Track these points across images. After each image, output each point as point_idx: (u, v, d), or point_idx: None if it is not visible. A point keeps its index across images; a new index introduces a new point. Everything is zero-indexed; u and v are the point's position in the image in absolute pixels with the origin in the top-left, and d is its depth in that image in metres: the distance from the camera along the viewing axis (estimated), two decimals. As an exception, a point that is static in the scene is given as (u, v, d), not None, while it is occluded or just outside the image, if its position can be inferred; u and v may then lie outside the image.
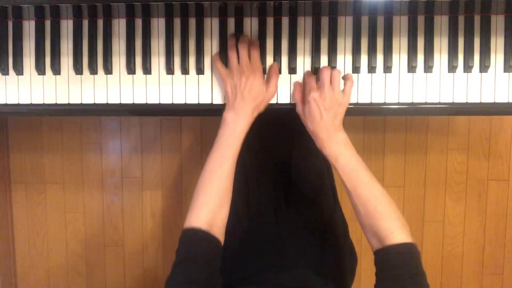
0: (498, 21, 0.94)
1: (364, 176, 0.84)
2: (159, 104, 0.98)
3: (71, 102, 0.99)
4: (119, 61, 0.97)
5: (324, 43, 0.95)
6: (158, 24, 0.96)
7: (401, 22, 0.95)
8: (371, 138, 1.78)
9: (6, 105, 1.00)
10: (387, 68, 0.95)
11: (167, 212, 1.86)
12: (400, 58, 0.95)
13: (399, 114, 1.10)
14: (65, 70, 0.98)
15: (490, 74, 0.95)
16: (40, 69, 0.98)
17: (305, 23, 0.96)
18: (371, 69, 0.95)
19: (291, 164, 1.12)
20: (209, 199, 0.82)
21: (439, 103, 0.96)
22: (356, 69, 0.95)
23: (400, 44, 0.95)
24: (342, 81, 0.91)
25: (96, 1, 0.92)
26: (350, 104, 0.95)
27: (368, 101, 0.96)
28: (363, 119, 1.77)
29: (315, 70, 0.95)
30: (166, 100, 0.97)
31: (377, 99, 0.96)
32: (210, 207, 0.81)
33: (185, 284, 0.72)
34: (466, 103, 0.95)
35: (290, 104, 0.96)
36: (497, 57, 0.95)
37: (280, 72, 0.96)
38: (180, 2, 0.92)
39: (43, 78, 0.99)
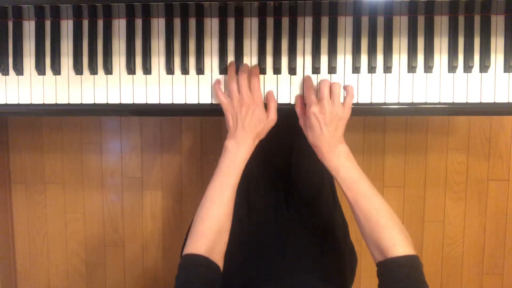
0: (498, 21, 0.94)
1: (365, 189, 0.84)
2: (159, 104, 0.98)
3: (71, 102, 0.99)
4: (119, 61, 0.97)
5: (324, 43, 0.95)
6: (158, 24, 0.97)
7: (401, 22, 0.95)
8: (371, 138, 1.78)
9: (6, 105, 1.00)
10: (387, 68, 0.95)
11: (167, 212, 1.86)
12: (400, 58, 0.95)
13: (399, 114, 1.10)
14: (65, 70, 0.98)
15: (490, 74, 0.95)
16: (40, 69, 0.98)
17: (305, 23, 0.96)
18: (371, 69, 0.95)
19: (291, 164, 1.12)
20: (209, 227, 0.82)
21: (439, 103, 0.96)
22: (356, 69, 0.95)
23: (400, 44, 0.95)
24: (342, 91, 0.91)
25: (96, 1, 0.92)
26: (350, 104, 0.96)
27: (368, 101, 0.96)
28: (363, 119, 1.77)
29: (315, 70, 0.95)
30: (166, 100, 0.97)
31: (377, 99, 0.96)
32: (210, 235, 0.82)
33: None
34: (466, 103, 0.95)
35: (290, 104, 0.96)
36: (497, 57, 0.95)
37: (280, 72, 0.96)
38: (180, 2, 0.92)
39: (43, 78, 0.99)
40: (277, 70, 0.95)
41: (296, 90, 0.96)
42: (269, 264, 0.95)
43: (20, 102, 0.99)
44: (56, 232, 1.88)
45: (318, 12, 0.95)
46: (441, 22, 0.95)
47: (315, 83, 0.95)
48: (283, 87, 0.96)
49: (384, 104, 0.96)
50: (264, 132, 0.92)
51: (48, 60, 0.98)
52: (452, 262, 1.84)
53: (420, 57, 0.95)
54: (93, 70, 0.97)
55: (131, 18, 0.96)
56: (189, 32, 0.96)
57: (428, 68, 0.94)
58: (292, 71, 0.96)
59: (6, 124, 1.84)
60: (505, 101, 0.95)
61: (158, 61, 0.97)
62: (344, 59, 0.96)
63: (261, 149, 1.09)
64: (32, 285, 1.92)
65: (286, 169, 1.12)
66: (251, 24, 0.96)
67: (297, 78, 0.96)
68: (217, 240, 0.82)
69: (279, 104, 0.96)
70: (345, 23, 0.95)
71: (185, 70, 0.97)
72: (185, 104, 0.97)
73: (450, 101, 0.95)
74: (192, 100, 0.97)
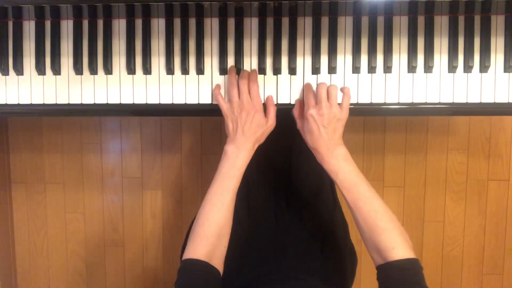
0: (498, 21, 0.94)
1: (364, 191, 0.84)
2: (159, 104, 0.98)
3: (71, 102, 0.99)
4: (119, 61, 0.97)
5: (324, 43, 0.95)
6: (158, 24, 0.97)
7: (401, 22, 0.95)
8: (371, 138, 1.78)
9: (6, 105, 1.00)
10: (387, 68, 0.95)
11: (167, 212, 1.86)
12: (400, 58, 0.95)
13: (399, 114, 1.10)
14: (65, 70, 0.98)
15: (490, 74, 0.95)
16: (40, 69, 0.98)
17: (305, 23, 0.96)
18: (371, 69, 0.95)
19: (291, 165, 1.12)
20: (209, 232, 0.83)
21: (439, 103, 0.96)
22: (356, 69, 0.95)
23: (400, 44, 0.95)
24: (340, 94, 0.92)
25: (96, 1, 0.92)
26: (350, 104, 0.95)
27: (368, 101, 0.96)
28: (363, 119, 1.77)
29: (315, 70, 0.95)
30: (166, 100, 0.97)
31: (377, 99, 0.96)
32: (210, 240, 0.82)
33: None
34: (466, 103, 0.95)
35: (289, 104, 0.96)
36: (497, 57, 0.95)
37: (280, 73, 0.96)
38: (180, 2, 0.92)
39: (43, 78, 0.99)
40: (277, 70, 0.95)
41: (296, 90, 0.96)
42: (269, 265, 0.95)
43: (20, 102, 0.99)
44: (56, 232, 1.88)
45: (318, 12, 0.95)
46: (441, 22, 0.95)
47: (315, 83, 0.95)
48: (283, 87, 0.96)
49: (384, 104, 0.96)
50: (264, 137, 0.93)
51: (48, 60, 0.98)
52: (452, 262, 1.84)
53: (420, 57, 0.95)
54: (93, 70, 0.97)
55: (131, 18, 0.96)
56: (189, 32, 0.96)
57: (428, 68, 0.94)
58: (292, 71, 0.96)
59: (6, 124, 1.84)
60: (505, 101, 0.95)
61: (158, 61, 0.97)
62: (344, 59, 0.96)
63: (261, 150, 1.09)
64: (32, 285, 1.92)
65: (286, 170, 1.12)
66: (251, 24, 0.96)
67: (297, 78, 0.96)
68: (217, 244, 0.83)
69: (279, 105, 0.96)
70: (345, 23, 0.95)
71: (185, 70, 0.97)
72: (185, 104, 0.97)
73: (450, 101, 0.95)
74: (192, 100, 0.97)
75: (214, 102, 0.96)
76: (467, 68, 0.94)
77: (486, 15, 0.94)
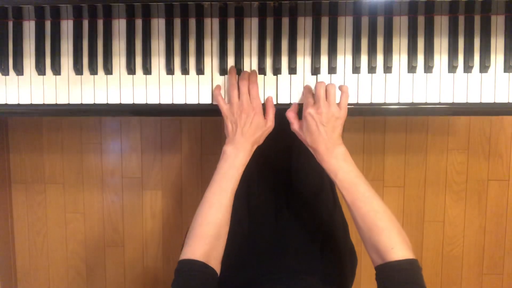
0: (498, 22, 0.94)
1: (363, 191, 0.84)
2: (159, 104, 0.98)
3: (71, 102, 0.99)
4: (119, 61, 0.97)
5: (324, 43, 0.95)
6: (158, 24, 0.97)
7: (401, 22, 0.95)
8: (371, 138, 1.78)
9: (6, 105, 1.00)
10: (387, 68, 0.95)
11: (167, 212, 1.86)
12: (400, 58, 0.95)
13: (399, 115, 1.10)
14: (65, 70, 0.98)
15: (490, 74, 0.95)
16: (40, 70, 0.98)
17: (305, 23, 0.96)
18: (371, 69, 0.95)
19: (291, 166, 1.12)
20: (207, 232, 0.83)
21: (439, 103, 0.96)
22: (356, 69, 0.95)
23: (400, 44, 0.95)
24: (339, 92, 0.92)
25: (96, 1, 0.92)
26: (350, 104, 0.96)
27: (368, 101, 0.96)
28: (363, 119, 1.76)
29: (315, 70, 0.95)
30: (166, 100, 0.97)
31: (377, 99, 0.96)
32: (208, 240, 0.82)
33: None
34: (466, 103, 0.95)
35: (290, 104, 0.96)
36: (497, 57, 0.95)
37: (280, 73, 0.96)
38: (180, 2, 0.92)
39: (43, 78, 0.99)
40: (277, 70, 0.95)
41: (296, 90, 0.96)
42: (269, 265, 0.95)
43: (20, 102, 0.99)
44: (56, 232, 1.88)
45: (318, 12, 0.95)
46: (441, 22, 0.95)
47: (315, 83, 0.95)
48: (283, 88, 0.96)
49: (384, 104, 0.96)
50: (262, 138, 0.94)
51: (48, 60, 0.98)
52: (452, 262, 1.84)
53: (420, 57, 0.95)
54: (93, 70, 0.97)
55: (131, 18, 0.96)
56: (189, 32, 0.96)
57: (428, 68, 0.94)
58: (292, 71, 0.96)
59: (6, 124, 1.84)
60: (505, 101, 0.95)
61: (158, 61, 0.97)
62: (344, 59, 0.96)
63: (261, 150, 1.09)
64: (32, 285, 1.92)
65: (286, 170, 1.12)
66: (251, 24, 0.96)
67: (297, 78, 0.96)
68: (215, 244, 0.83)
69: (279, 105, 0.96)
70: (345, 23, 0.95)
71: (185, 70, 0.97)
72: (185, 104, 0.97)
73: (450, 101, 0.95)
74: (192, 100, 0.97)
75: (214, 103, 0.96)
76: (467, 68, 0.94)
77: (486, 15, 0.94)
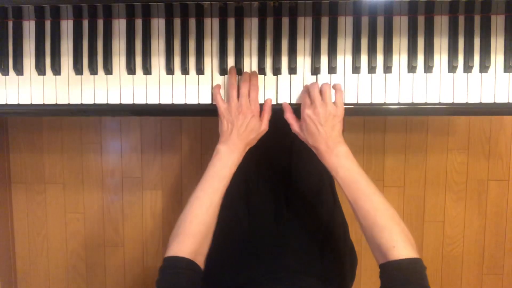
0: (498, 21, 0.94)
1: (365, 188, 0.84)
2: (159, 104, 0.98)
3: (71, 102, 0.99)
4: (119, 61, 0.97)
5: (324, 43, 0.95)
6: (158, 24, 0.97)
7: (401, 22, 0.95)
8: (371, 138, 1.78)
9: (6, 105, 1.00)
10: (387, 68, 0.95)
11: (167, 212, 1.86)
12: (400, 58, 0.95)
13: (399, 114, 1.10)
14: (65, 70, 0.98)
15: (490, 74, 0.95)
16: (40, 70, 0.98)
17: (305, 23, 0.96)
18: (371, 69, 0.95)
19: (291, 166, 1.12)
20: (197, 230, 0.83)
21: (439, 103, 0.96)
22: (356, 69, 0.95)
23: (400, 44, 0.95)
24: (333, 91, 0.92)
25: (96, 1, 0.92)
26: (350, 104, 0.96)
27: (368, 101, 0.96)
28: (363, 119, 1.76)
29: (315, 70, 0.95)
30: (166, 100, 0.97)
31: (377, 99, 0.96)
32: (197, 238, 0.82)
33: None
34: (466, 103, 0.95)
35: (290, 104, 0.96)
36: (497, 57, 0.95)
37: (280, 73, 0.96)
38: (180, 2, 0.92)
39: (43, 78, 0.99)
40: (277, 70, 0.95)
41: (296, 90, 0.96)
42: (268, 264, 0.95)
43: (20, 102, 0.99)
44: (56, 232, 1.88)
45: (318, 12, 0.95)
46: (441, 22, 0.95)
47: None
48: (283, 88, 0.96)
49: (384, 104, 0.96)
50: (255, 141, 0.94)
51: (48, 60, 0.98)
52: (452, 262, 1.84)
53: (420, 57, 0.95)
54: (93, 70, 0.97)
55: (131, 18, 0.96)
56: (189, 32, 0.96)
57: (428, 68, 0.94)
58: (292, 71, 0.96)
59: (6, 124, 1.84)
60: (505, 101, 0.95)
61: (158, 61, 0.97)
62: (344, 59, 0.96)
63: (262, 150, 1.09)
64: (32, 285, 1.92)
65: (286, 169, 1.12)
66: (251, 24, 0.96)
67: (297, 78, 0.96)
68: (203, 243, 0.83)
69: (279, 105, 0.96)
70: (345, 23, 0.95)
71: (185, 70, 0.97)
72: (185, 104, 0.97)
73: (450, 101, 0.95)
74: (192, 100, 0.97)
75: (214, 102, 0.96)
76: (467, 68, 0.94)
77: (486, 15, 0.94)
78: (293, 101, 0.97)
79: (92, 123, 1.83)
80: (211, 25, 0.96)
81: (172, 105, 0.98)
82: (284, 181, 1.10)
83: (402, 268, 0.75)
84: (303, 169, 1.12)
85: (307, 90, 0.93)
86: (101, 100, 0.98)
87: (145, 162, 1.84)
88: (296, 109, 0.95)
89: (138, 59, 0.97)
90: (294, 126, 0.93)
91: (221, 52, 0.96)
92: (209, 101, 0.97)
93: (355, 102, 0.96)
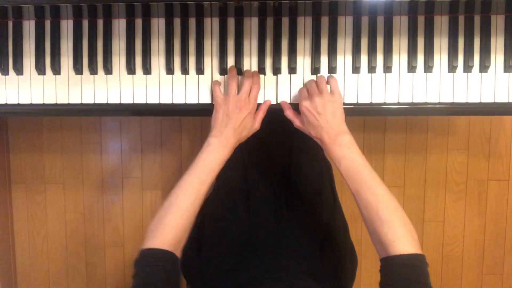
0: (498, 21, 0.94)
1: (368, 180, 0.82)
2: (159, 104, 0.98)
3: (71, 102, 0.99)
4: (119, 61, 0.97)
5: (324, 43, 0.95)
6: (158, 24, 0.96)
7: (401, 22, 0.95)
8: (371, 138, 1.78)
9: (6, 105, 1.00)
10: (387, 68, 0.95)
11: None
12: (400, 58, 0.95)
13: (399, 114, 1.10)
14: (65, 70, 0.98)
15: (490, 74, 0.95)
16: (40, 69, 0.98)
17: (305, 23, 0.96)
18: (371, 69, 0.95)
19: (291, 166, 1.12)
20: (180, 223, 0.81)
21: (439, 103, 0.96)
22: (356, 69, 0.95)
23: (400, 44, 0.95)
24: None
25: (96, 1, 0.92)
26: (350, 104, 0.96)
27: (368, 101, 0.96)
28: (363, 119, 1.76)
29: (315, 70, 0.95)
30: (166, 100, 0.97)
31: (377, 99, 0.96)
32: (179, 231, 0.80)
33: None
34: (466, 103, 0.95)
35: (289, 104, 0.96)
36: (497, 57, 0.95)
37: (280, 72, 0.96)
38: (180, 2, 0.92)
39: (43, 78, 0.99)
40: (277, 70, 0.95)
41: (296, 90, 0.96)
42: (268, 264, 0.94)
43: (20, 102, 0.99)
44: (56, 232, 1.88)
45: (318, 12, 0.95)
46: (441, 22, 0.95)
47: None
48: (283, 87, 0.96)
49: (384, 104, 0.96)
50: (245, 138, 0.93)
51: (48, 60, 0.98)
52: (452, 262, 1.84)
53: (420, 57, 0.95)
54: (93, 70, 0.97)
55: (131, 18, 0.96)
56: (189, 32, 0.96)
57: (428, 68, 0.94)
58: (292, 71, 0.96)
59: (6, 124, 1.84)
60: (505, 101, 0.95)
61: (158, 61, 0.97)
62: (344, 59, 0.96)
63: (261, 149, 1.09)
64: (32, 285, 1.92)
65: (286, 169, 1.12)
66: (251, 24, 0.96)
67: (297, 78, 0.96)
68: (183, 236, 0.82)
69: (278, 104, 0.96)
70: (345, 23, 0.95)
71: (185, 70, 0.97)
72: (185, 104, 0.97)
73: (450, 101, 0.95)
74: (192, 100, 0.97)
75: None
76: (467, 68, 0.94)
77: (486, 15, 0.94)
78: (293, 101, 0.97)
79: (92, 123, 1.83)
80: (211, 25, 0.96)
81: (172, 105, 0.98)
82: (284, 181, 1.10)
83: (402, 264, 0.73)
84: (304, 169, 1.11)
85: (302, 88, 0.93)
86: (101, 100, 0.98)
87: (145, 162, 1.84)
88: (297, 108, 0.95)
89: (138, 59, 0.97)
90: (296, 121, 0.93)
91: (221, 52, 0.96)
92: (209, 101, 0.97)
93: (355, 102, 0.96)
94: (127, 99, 0.98)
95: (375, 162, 1.78)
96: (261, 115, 0.94)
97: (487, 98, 0.95)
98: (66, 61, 0.98)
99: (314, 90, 0.89)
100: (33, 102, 0.99)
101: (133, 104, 0.98)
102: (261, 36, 0.95)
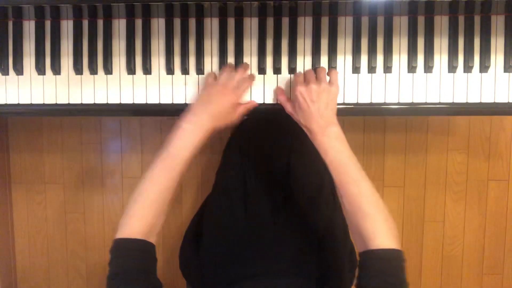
0: (498, 21, 0.94)
1: (353, 173, 0.81)
2: (159, 104, 0.98)
3: (71, 102, 0.99)
4: (119, 61, 0.97)
5: (324, 43, 0.95)
6: (158, 24, 0.97)
7: (401, 22, 0.95)
8: (371, 138, 1.78)
9: (6, 105, 1.00)
10: (387, 68, 0.95)
11: (167, 212, 1.86)
12: (400, 58, 0.95)
13: (399, 114, 1.10)
14: (65, 70, 0.98)
15: (490, 74, 0.95)
16: (40, 69, 0.98)
17: (305, 23, 0.96)
18: (371, 69, 0.95)
19: (290, 165, 1.12)
20: (149, 212, 0.79)
21: (439, 103, 0.96)
22: (356, 69, 0.95)
23: (400, 44, 0.95)
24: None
25: (96, 1, 0.92)
26: (350, 104, 0.96)
27: (368, 101, 0.96)
28: (363, 119, 1.76)
29: (315, 70, 0.95)
30: (166, 100, 0.98)
31: (377, 99, 0.96)
32: (149, 220, 0.79)
33: None
34: (466, 103, 0.95)
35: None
36: (497, 57, 0.95)
37: (280, 72, 0.96)
38: (180, 2, 0.92)
39: (43, 78, 0.99)
40: (277, 70, 0.95)
41: (296, 90, 0.96)
42: (266, 265, 0.94)
43: (20, 102, 0.99)
44: (56, 232, 1.88)
45: (318, 12, 0.95)
46: (441, 22, 0.95)
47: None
48: (283, 87, 0.96)
49: (384, 104, 0.96)
50: (220, 129, 0.90)
51: (48, 60, 0.98)
52: (452, 262, 1.84)
53: (420, 57, 0.95)
54: (93, 70, 0.97)
55: (131, 18, 0.96)
56: (189, 32, 0.96)
57: (428, 68, 0.94)
58: (292, 71, 0.96)
59: (6, 124, 1.84)
60: (505, 101, 0.95)
61: (158, 61, 0.97)
62: (344, 59, 0.96)
63: (260, 149, 1.08)
64: (32, 285, 1.92)
65: (285, 170, 1.12)
66: (251, 24, 0.96)
67: (297, 78, 0.96)
68: (157, 223, 0.80)
69: (278, 105, 0.96)
70: (345, 23, 0.95)
71: (185, 70, 0.97)
72: (185, 104, 0.97)
73: (450, 101, 0.95)
74: (192, 100, 0.97)
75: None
76: (467, 68, 0.94)
77: (486, 15, 0.94)
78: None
79: (92, 123, 1.83)
80: (211, 25, 0.96)
81: (172, 105, 0.98)
82: (282, 182, 1.10)
83: (380, 258, 0.73)
84: (303, 169, 1.11)
85: (299, 73, 0.92)
86: (101, 100, 0.98)
87: (145, 162, 1.84)
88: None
89: (138, 59, 0.97)
90: (287, 106, 0.92)
91: (221, 52, 0.96)
92: (209, 101, 0.97)
93: (355, 102, 0.96)
94: (127, 99, 0.98)
95: (375, 162, 1.78)
96: (242, 109, 0.92)
97: (487, 98, 0.95)
98: (66, 61, 0.98)
99: (312, 77, 0.88)
100: (33, 102, 0.99)
101: (133, 104, 0.98)
102: (261, 36, 0.95)
